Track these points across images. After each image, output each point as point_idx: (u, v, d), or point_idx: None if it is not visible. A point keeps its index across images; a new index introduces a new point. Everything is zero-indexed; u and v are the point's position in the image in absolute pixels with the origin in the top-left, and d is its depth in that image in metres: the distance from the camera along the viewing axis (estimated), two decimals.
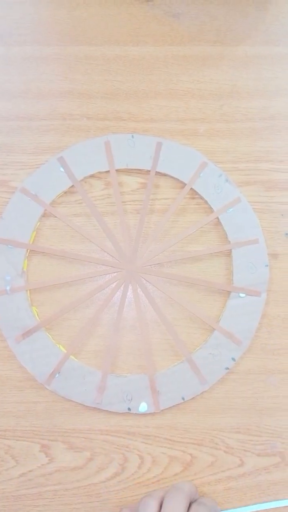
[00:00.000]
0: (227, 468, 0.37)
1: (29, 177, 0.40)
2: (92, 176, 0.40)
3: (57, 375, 0.37)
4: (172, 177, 0.40)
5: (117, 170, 0.40)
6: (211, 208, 0.40)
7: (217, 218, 0.40)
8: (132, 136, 0.41)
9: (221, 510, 0.36)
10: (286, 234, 0.40)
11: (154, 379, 0.37)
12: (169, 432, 0.38)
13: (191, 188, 0.40)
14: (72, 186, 0.40)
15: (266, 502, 0.37)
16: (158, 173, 0.40)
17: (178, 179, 0.40)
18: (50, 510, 0.36)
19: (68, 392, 0.37)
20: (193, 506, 0.32)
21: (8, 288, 0.38)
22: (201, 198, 0.40)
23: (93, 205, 0.40)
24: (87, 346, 0.39)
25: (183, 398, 0.37)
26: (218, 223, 0.40)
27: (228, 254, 0.40)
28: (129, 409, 0.37)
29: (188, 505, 0.31)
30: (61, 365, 0.37)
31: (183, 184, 0.40)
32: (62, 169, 0.40)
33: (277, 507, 0.37)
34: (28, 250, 0.39)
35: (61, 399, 0.37)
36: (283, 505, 0.36)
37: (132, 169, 0.41)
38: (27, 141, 0.41)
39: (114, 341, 0.38)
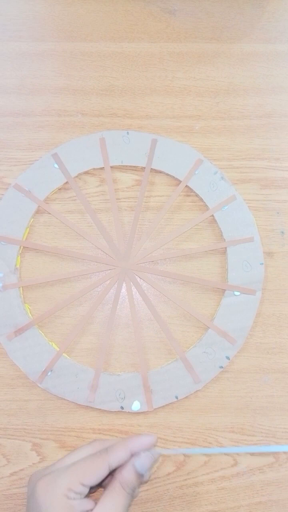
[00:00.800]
0: (221, 467, 0.37)
1: (23, 173, 0.40)
2: (86, 172, 0.40)
3: (50, 373, 0.37)
4: (167, 174, 0.40)
5: (111, 167, 0.40)
6: (206, 205, 0.40)
7: (212, 215, 0.39)
8: (127, 133, 0.40)
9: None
10: (282, 232, 0.40)
11: (147, 378, 0.37)
12: (162, 431, 0.37)
13: (186, 186, 0.40)
14: (66, 182, 0.40)
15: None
16: (153, 170, 0.40)
17: (173, 176, 0.40)
18: None
19: (60, 390, 0.37)
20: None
21: (0, 285, 0.38)
22: (196, 195, 0.40)
23: (87, 202, 0.40)
24: (80, 344, 0.38)
25: (176, 397, 0.37)
26: (213, 220, 0.40)
27: (223, 252, 0.39)
28: (122, 407, 0.37)
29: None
30: (53, 363, 0.37)
31: (178, 181, 0.40)
32: (56, 166, 0.40)
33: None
34: (21, 247, 0.39)
35: (53, 397, 0.37)
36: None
37: (127, 166, 0.40)
38: (22, 137, 0.41)
39: (107, 339, 0.38)
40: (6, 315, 0.37)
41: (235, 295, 0.38)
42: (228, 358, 0.38)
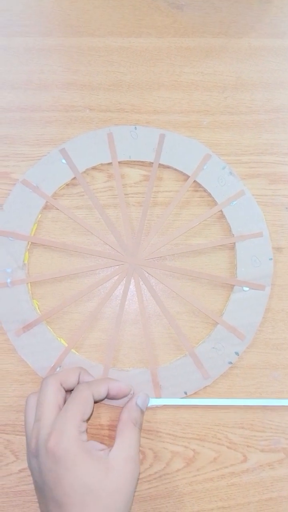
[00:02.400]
0: (230, 464, 0.37)
1: (31, 168, 0.39)
2: (94, 168, 0.40)
3: (58, 369, 0.37)
4: (175, 169, 0.40)
5: (119, 162, 0.40)
6: (214, 201, 0.39)
7: (221, 211, 0.39)
8: (135, 128, 0.40)
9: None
10: None
11: (156, 374, 0.37)
12: (171, 427, 0.37)
13: (195, 181, 0.40)
14: (74, 178, 0.39)
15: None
16: (161, 165, 0.40)
17: (181, 172, 0.40)
18: None
19: None
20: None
21: (8, 280, 0.38)
22: (205, 190, 0.40)
23: (95, 197, 0.39)
24: (89, 339, 0.38)
25: (185, 393, 0.37)
26: (221, 216, 0.39)
27: (232, 247, 0.39)
28: None
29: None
30: (62, 359, 0.37)
31: (187, 177, 0.40)
32: (64, 161, 0.39)
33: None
34: (29, 243, 0.39)
35: None
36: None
37: (134, 161, 0.40)
38: (29, 132, 0.41)
39: (115, 335, 0.37)
40: (14, 311, 0.37)
41: (244, 290, 0.38)
42: (237, 353, 0.37)
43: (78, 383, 0.34)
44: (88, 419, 0.32)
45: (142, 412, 0.34)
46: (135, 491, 0.31)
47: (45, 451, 0.29)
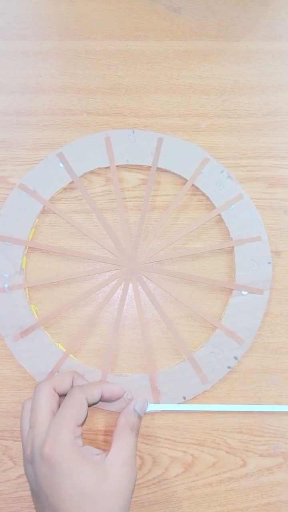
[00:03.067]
0: (229, 468, 0.37)
1: (28, 173, 0.39)
2: (92, 172, 0.40)
3: (56, 374, 0.37)
4: (173, 173, 0.40)
5: (117, 166, 0.40)
6: (213, 204, 0.39)
7: (219, 214, 0.39)
8: (133, 132, 0.40)
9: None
10: None
11: (154, 379, 0.37)
12: (170, 432, 0.37)
13: (193, 185, 0.39)
14: (72, 182, 0.39)
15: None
16: (159, 169, 0.40)
17: (179, 175, 0.40)
18: None
19: None
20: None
21: (6, 285, 0.37)
22: (203, 194, 0.40)
23: (93, 201, 0.39)
24: (87, 344, 0.38)
25: (184, 398, 0.37)
26: (220, 220, 0.39)
27: (230, 251, 0.39)
28: None
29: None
30: (60, 364, 0.37)
31: (185, 180, 0.40)
32: (61, 165, 0.39)
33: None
34: (27, 247, 0.39)
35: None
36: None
37: (132, 165, 0.40)
38: (26, 136, 0.41)
39: (114, 340, 0.37)
40: (12, 316, 0.37)
41: (243, 294, 0.38)
42: (236, 358, 0.37)
43: (72, 387, 0.33)
44: (83, 423, 0.32)
45: (140, 418, 0.34)
46: (132, 496, 0.31)
47: (40, 457, 0.29)
